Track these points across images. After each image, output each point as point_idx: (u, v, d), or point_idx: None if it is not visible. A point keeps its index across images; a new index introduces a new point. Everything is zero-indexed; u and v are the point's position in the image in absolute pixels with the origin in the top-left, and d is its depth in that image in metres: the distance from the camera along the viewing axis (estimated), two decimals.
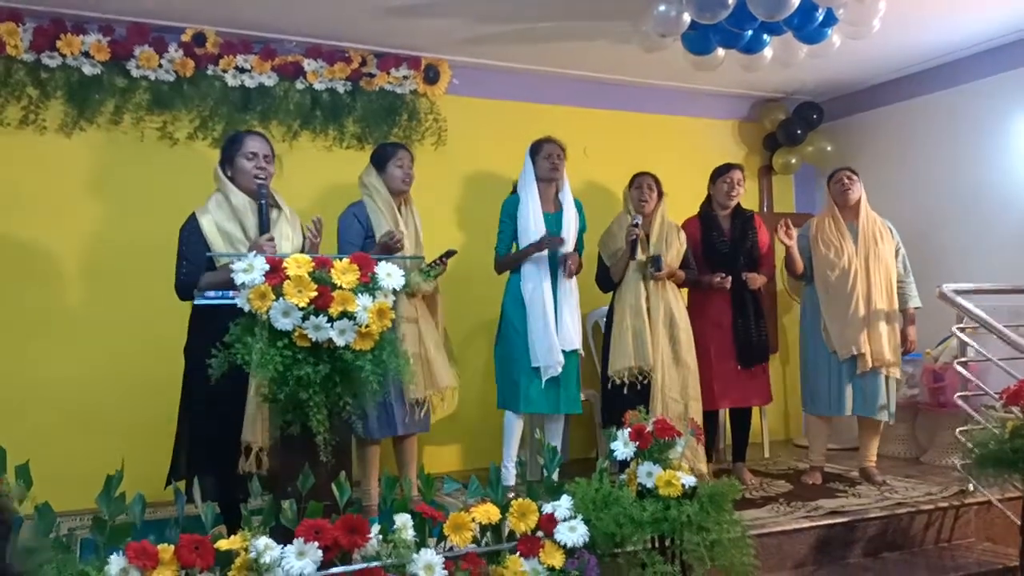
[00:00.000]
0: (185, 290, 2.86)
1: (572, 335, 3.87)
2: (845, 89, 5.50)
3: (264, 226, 2.86)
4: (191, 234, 2.90)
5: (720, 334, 4.11)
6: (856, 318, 3.99)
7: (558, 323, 3.82)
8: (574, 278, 3.94)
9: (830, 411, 4.12)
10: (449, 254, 3.52)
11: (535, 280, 3.84)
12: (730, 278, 4.01)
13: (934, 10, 4.17)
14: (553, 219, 3.93)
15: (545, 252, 3.85)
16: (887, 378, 4.04)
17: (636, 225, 3.84)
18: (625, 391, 3.77)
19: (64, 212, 3.98)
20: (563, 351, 3.81)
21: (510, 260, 3.93)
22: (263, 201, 2.84)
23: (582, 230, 4.06)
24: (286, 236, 2.96)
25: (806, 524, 3.37)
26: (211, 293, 2.58)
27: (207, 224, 2.88)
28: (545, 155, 3.92)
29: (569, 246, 3.92)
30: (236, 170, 2.96)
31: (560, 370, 3.80)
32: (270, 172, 2.99)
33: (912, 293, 4.18)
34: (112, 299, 4.02)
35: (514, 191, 4.02)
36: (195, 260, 2.86)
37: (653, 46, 3.89)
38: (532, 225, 3.86)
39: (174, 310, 3.88)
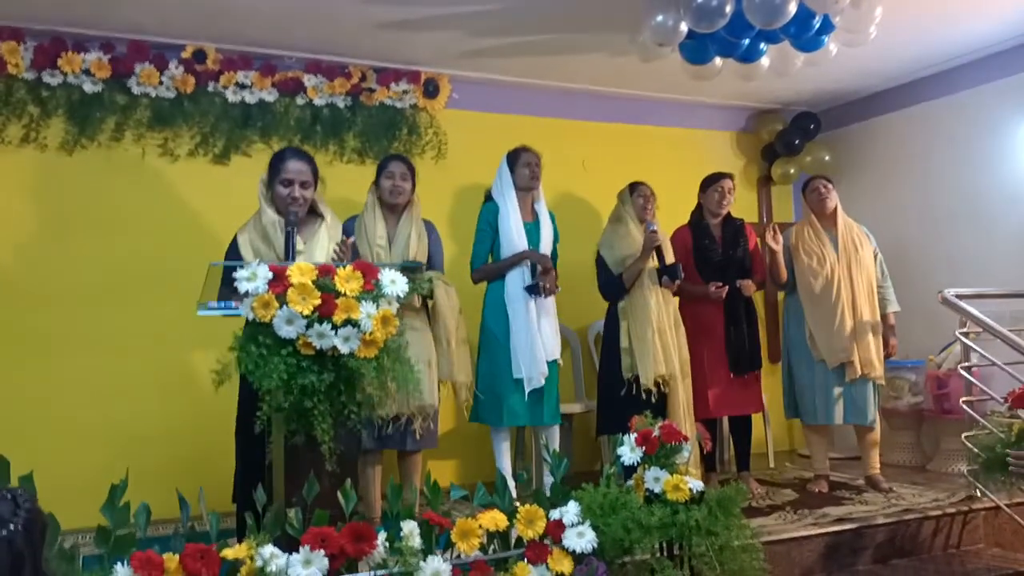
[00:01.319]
0: None
1: (553, 345, 3.84)
2: (842, 99, 5.52)
3: (289, 251, 2.84)
4: (227, 253, 2.98)
5: (713, 342, 4.10)
6: (843, 326, 3.98)
7: (540, 333, 3.78)
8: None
9: (819, 420, 4.10)
10: (410, 266, 3.43)
11: (519, 290, 3.79)
12: (726, 287, 4.01)
13: (931, 17, 4.19)
14: (532, 228, 3.90)
15: (527, 263, 3.81)
16: (874, 385, 4.05)
17: (655, 232, 3.86)
18: (643, 398, 3.71)
19: (65, 230, 3.98)
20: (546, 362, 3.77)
21: (492, 269, 3.88)
22: (290, 228, 2.85)
23: (556, 241, 4.04)
24: (322, 246, 2.99)
25: (814, 531, 3.34)
26: (213, 304, 2.57)
27: (243, 243, 2.94)
28: (524, 163, 3.89)
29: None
30: (274, 193, 3.00)
31: (543, 381, 3.77)
32: (306, 198, 3.00)
33: (891, 298, 4.19)
34: (114, 317, 4.00)
35: (487, 199, 3.97)
36: None
37: (651, 56, 3.90)
38: (515, 235, 3.83)
39: (177, 328, 3.89)
